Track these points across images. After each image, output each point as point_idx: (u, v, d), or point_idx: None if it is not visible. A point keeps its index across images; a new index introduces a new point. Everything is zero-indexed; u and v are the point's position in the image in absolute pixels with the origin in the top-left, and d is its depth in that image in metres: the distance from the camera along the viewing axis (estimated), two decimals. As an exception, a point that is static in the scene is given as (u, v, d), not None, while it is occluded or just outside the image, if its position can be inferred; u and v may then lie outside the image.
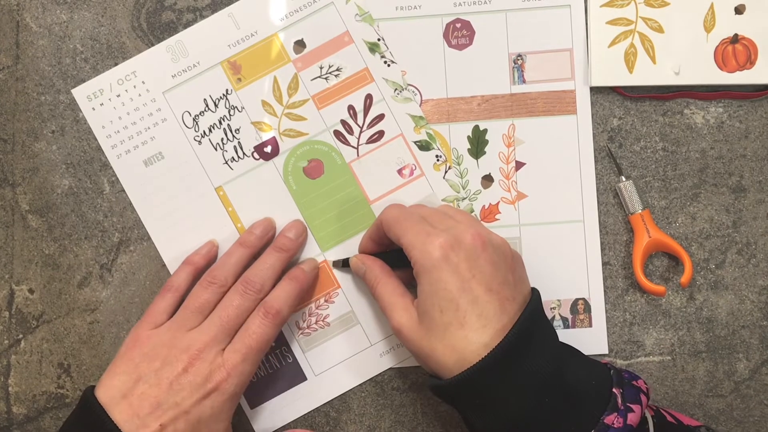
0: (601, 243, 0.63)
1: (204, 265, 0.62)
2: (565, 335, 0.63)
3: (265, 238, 0.62)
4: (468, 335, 0.51)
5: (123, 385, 0.54)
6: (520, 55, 0.64)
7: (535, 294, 0.55)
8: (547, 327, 0.55)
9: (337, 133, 0.64)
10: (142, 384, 0.54)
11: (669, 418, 0.55)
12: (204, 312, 0.58)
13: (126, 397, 0.54)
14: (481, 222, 0.60)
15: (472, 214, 0.64)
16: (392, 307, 0.56)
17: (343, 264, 0.63)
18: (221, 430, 0.56)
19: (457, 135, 0.64)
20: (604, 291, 0.63)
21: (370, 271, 0.59)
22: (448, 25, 0.64)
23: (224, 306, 0.57)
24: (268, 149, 0.64)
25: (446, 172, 0.64)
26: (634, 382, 0.53)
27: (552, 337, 0.55)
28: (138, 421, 0.53)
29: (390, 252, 0.61)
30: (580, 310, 0.63)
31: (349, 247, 0.63)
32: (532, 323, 0.53)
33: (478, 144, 0.64)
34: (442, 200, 0.64)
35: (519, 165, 0.64)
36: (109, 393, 0.54)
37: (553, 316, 0.63)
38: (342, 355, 0.64)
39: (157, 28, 0.64)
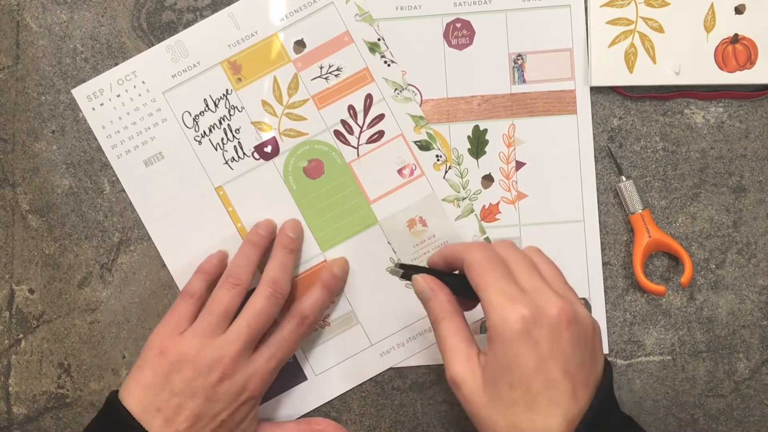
0: (602, 243, 0.63)
1: (216, 274, 0.61)
2: (565, 335, 0.63)
3: (270, 237, 0.62)
4: (535, 419, 0.47)
5: (156, 398, 0.53)
6: (520, 55, 0.64)
7: (607, 377, 0.50)
8: (617, 417, 0.50)
9: (337, 133, 0.64)
10: (177, 397, 0.53)
11: None
12: (229, 317, 0.57)
13: (161, 411, 0.53)
14: (567, 283, 0.52)
15: (473, 214, 0.64)
16: (454, 354, 0.50)
17: (402, 276, 0.56)
18: (253, 428, 0.58)
19: (457, 135, 0.64)
20: (605, 291, 0.63)
21: (436, 301, 0.53)
22: (448, 25, 0.64)
23: (253, 313, 0.57)
24: (268, 149, 0.64)
25: (446, 172, 0.64)
26: None
27: (620, 427, 0.50)
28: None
29: (460, 277, 0.53)
30: (580, 310, 0.63)
31: (349, 247, 0.63)
32: (603, 415, 0.48)
33: (478, 144, 0.64)
34: (442, 200, 0.64)
35: (519, 165, 0.64)
36: (141, 405, 0.53)
37: (554, 316, 0.63)
38: (342, 355, 0.64)
39: (157, 28, 0.64)
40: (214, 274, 0.61)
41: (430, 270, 0.55)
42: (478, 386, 0.49)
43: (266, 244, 0.62)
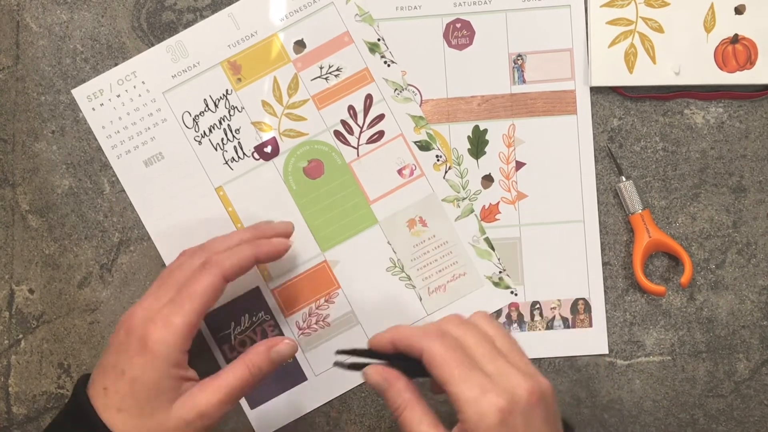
0: (601, 243, 0.63)
1: None
2: (565, 335, 0.63)
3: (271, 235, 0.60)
4: None
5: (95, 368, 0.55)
6: (520, 55, 0.64)
7: None
8: None
9: (337, 133, 0.64)
10: (104, 354, 0.54)
11: None
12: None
13: (92, 382, 0.54)
14: (521, 351, 0.52)
15: (473, 214, 0.64)
16: None
17: (349, 368, 0.54)
18: (163, 405, 0.52)
19: (457, 135, 0.64)
20: (605, 291, 0.63)
21: (394, 391, 0.52)
22: (448, 25, 0.64)
23: (173, 266, 0.56)
24: (268, 149, 0.64)
25: (446, 172, 0.64)
26: None
27: None
28: (90, 384, 0.53)
29: (410, 360, 0.52)
30: (580, 310, 0.63)
31: (349, 247, 0.63)
32: None
33: (478, 144, 0.64)
34: (442, 200, 0.64)
35: (519, 165, 0.64)
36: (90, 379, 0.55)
37: (553, 316, 0.63)
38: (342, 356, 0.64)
39: (157, 28, 0.64)
40: None
41: (376, 353, 0.53)
42: None
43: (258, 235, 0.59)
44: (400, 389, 0.52)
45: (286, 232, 0.61)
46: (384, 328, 0.63)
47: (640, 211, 0.62)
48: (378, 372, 0.52)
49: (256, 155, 0.64)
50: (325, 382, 0.64)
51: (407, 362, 0.51)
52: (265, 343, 0.56)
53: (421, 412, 0.51)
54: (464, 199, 0.64)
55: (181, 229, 0.64)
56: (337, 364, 0.54)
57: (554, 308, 0.63)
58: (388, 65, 0.64)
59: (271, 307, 0.64)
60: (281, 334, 0.63)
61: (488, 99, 0.64)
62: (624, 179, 0.63)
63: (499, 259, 0.64)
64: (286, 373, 0.63)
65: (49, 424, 0.55)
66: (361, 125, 0.64)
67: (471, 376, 0.49)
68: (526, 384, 0.49)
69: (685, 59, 0.62)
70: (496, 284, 0.64)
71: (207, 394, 0.53)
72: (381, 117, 0.64)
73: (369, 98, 0.64)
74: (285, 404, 0.64)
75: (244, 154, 0.64)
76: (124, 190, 0.64)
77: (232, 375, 0.54)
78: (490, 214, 0.64)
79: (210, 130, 0.64)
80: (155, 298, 0.54)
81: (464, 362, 0.50)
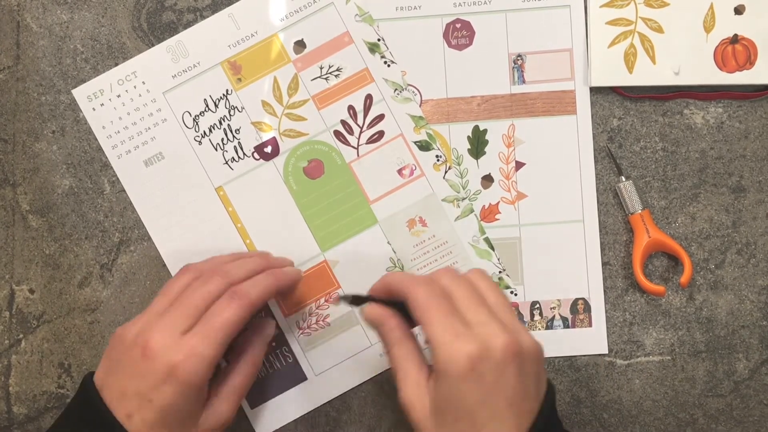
0: (601, 243, 0.63)
1: None
2: (564, 335, 0.63)
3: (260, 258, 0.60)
4: None
5: (102, 376, 0.53)
6: (519, 56, 0.64)
7: (548, 401, 0.51)
8: None
9: (337, 133, 0.64)
10: (111, 374, 0.53)
11: None
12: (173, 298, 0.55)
13: (102, 389, 0.53)
14: (511, 309, 0.53)
15: (473, 214, 0.64)
16: (406, 379, 0.52)
17: (352, 301, 0.57)
18: (191, 425, 0.53)
19: (457, 135, 0.64)
20: (604, 291, 0.64)
21: (387, 327, 0.54)
22: (448, 25, 0.64)
23: (187, 291, 0.54)
24: (268, 149, 0.64)
25: (446, 172, 0.64)
26: None
27: None
28: (112, 410, 0.52)
29: (404, 305, 0.54)
30: (579, 309, 0.63)
31: (349, 247, 0.64)
32: None
33: (478, 144, 0.64)
34: (442, 200, 0.64)
35: (519, 165, 0.64)
36: (96, 383, 0.54)
37: (553, 316, 0.64)
38: (342, 355, 0.64)
39: (157, 28, 0.64)
40: None
41: (378, 299, 0.55)
42: (427, 413, 0.50)
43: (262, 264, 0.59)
44: (392, 327, 0.54)
45: (292, 264, 0.62)
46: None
47: (639, 211, 0.62)
48: (374, 309, 0.55)
49: (256, 155, 0.64)
50: (325, 382, 0.64)
51: (405, 310, 0.53)
52: (255, 332, 0.58)
53: (408, 350, 0.53)
54: (464, 199, 0.64)
55: (181, 229, 0.64)
56: (342, 297, 0.58)
57: (554, 308, 0.64)
58: (388, 65, 0.64)
59: (271, 306, 0.64)
60: (281, 333, 0.63)
61: (488, 99, 0.64)
62: (624, 179, 0.63)
63: (498, 259, 0.64)
64: (287, 373, 0.63)
65: None
66: (361, 125, 0.64)
67: (448, 321, 0.50)
68: (503, 336, 0.49)
69: (684, 59, 0.63)
70: (495, 284, 0.64)
71: (227, 403, 0.55)
72: (381, 117, 0.64)
73: (369, 98, 0.64)
74: (285, 404, 0.64)
75: (244, 154, 0.64)
76: (124, 190, 0.64)
77: (242, 377, 0.57)
78: (489, 214, 0.64)
79: (210, 130, 0.64)
80: (171, 322, 0.53)
81: (444, 307, 0.51)
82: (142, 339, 0.52)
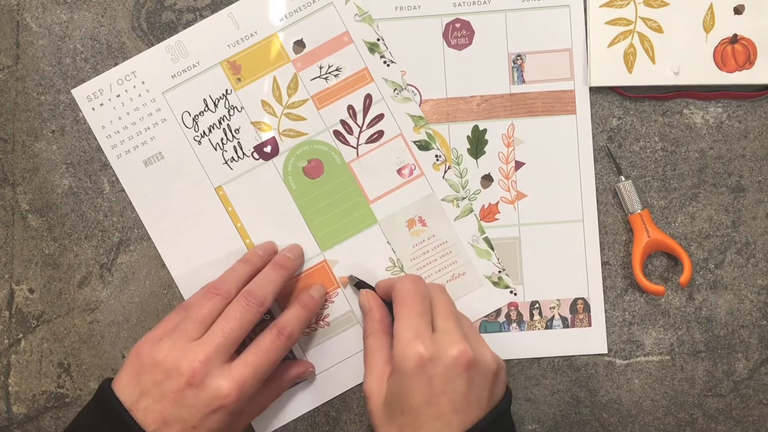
0: (601, 243, 0.63)
1: None
2: (564, 335, 0.63)
3: (266, 258, 0.61)
4: None
5: (128, 399, 0.53)
6: (519, 55, 0.64)
7: (499, 407, 0.54)
8: None
9: (336, 133, 0.64)
10: (146, 398, 0.53)
11: None
12: (206, 323, 0.56)
13: (133, 410, 0.53)
14: (479, 335, 0.58)
15: (472, 214, 0.64)
16: (370, 369, 0.56)
17: (357, 284, 0.63)
18: None
19: (457, 135, 0.64)
20: (604, 291, 0.64)
21: (370, 316, 0.59)
22: (447, 25, 0.64)
23: (227, 318, 0.56)
24: (268, 149, 0.64)
25: (446, 171, 0.64)
26: None
27: None
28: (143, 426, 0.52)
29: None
30: (579, 309, 0.63)
31: (349, 247, 0.64)
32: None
33: (477, 144, 0.64)
34: (442, 200, 0.64)
35: (518, 165, 0.64)
36: (122, 401, 0.53)
37: (553, 316, 0.64)
38: (342, 355, 0.64)
39: (157, 28, 0.64)
40: None
41: (376, 293, 0.61)
42: (381, 404, 0.55)
43: (260, 263, 0.61)
44: (375, 317, 0.59)
45: (301, 251, 0.64)
46: (383, 327, 0.64)
47: (639, 210, 0.62)
48: (367, 296, 0.61)
49: (255, 155, 0.64)
50: (325, 382, 0.64)
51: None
52: (291, 367, 0.62)
53: (380, 344, 0.57)
54: (464, 198, 0.64)
55: (181, 229, 0.64)
56: (351, 277, 0.63)
57: (553, 308, 0.64)
58: (388, 65, 0.64)
59: (272, 306, 0.64)
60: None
61: (487, 99, 0.64)
62: (623, 179, 0.63)
63: (498, 259, 0.64)
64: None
65: None
66: (360, 125, 0.64)
67: (415, 321, 0.54)
68: (459, 346, 0.53)
69: (684, 59, 0.63)
70: (495, 284, 0.64)
71: (256, 409, 0.60)
72: (380, 117, 0.64)
73: (368, 98, 0.64)
74: (285, 404, 0.64)
75: (243, 153, 0.64)
76: (124, 190, 0.64)
77: (267, 398, 0.61)
78: (489, 213, 0.64)
79: (210, 130, 0.64)
80: (216, 351, 0.54)
81: (417, 307, 0.55)
82: (188, 368, 0.53)
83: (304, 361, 0.63)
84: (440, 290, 0.59)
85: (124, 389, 0.53)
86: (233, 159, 0.64)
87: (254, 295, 0.57)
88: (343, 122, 0.64)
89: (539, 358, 0.64)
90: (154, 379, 0.53)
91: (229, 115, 0.64)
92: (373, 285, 0.62)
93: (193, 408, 0.52)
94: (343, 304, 0.64)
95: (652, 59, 0.63)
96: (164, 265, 0.64)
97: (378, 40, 0.64)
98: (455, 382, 0.52)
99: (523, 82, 0.64)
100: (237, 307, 0.56)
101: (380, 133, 0.64)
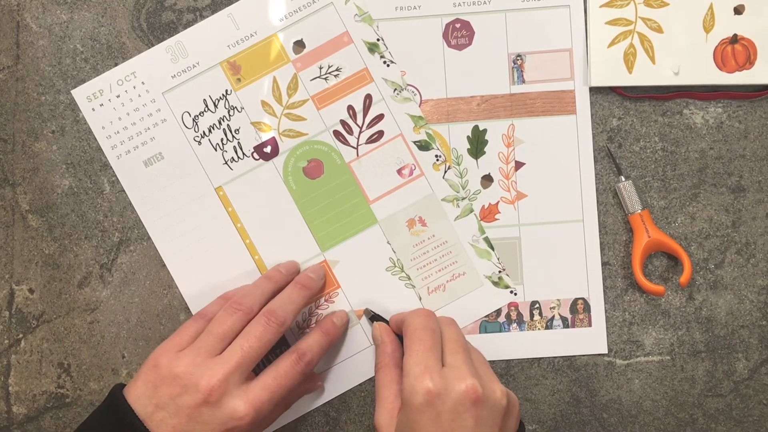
0: (601, 243, 0.63)
1: None
2: (564, 335, 0.63)
3: (289, 276, 0.61)
4: None
5: (142, 410, 0.53)
6: (519, 55, 0.64)
7: None
8: None
9: (336, 133, 0.64)
10: (162, 411, 0.53)
11: None
12: (227, 339, 0.55)
13: (147, 421, 0.53)
14: (490, 369, 0.56)
15: (472, 214, 0.64)
16: (381, 402, 0.56)
17: (372, 317, 0.62)
18: None
19: (457, 135, 0.64)
20: (604, 291, 0.64)
21: (382, 349, 0.59)
22: (447, 25, 0.64)
23: (247, 336, 0.55)
24: (268, 149, 0.64)
25: (446, 171, 0.64)
26: None
27: None
28: None
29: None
30: (579, 309, 0.63)
31: (349, 247, 0.64)
32: None
33: (477, 144, 0.64)
34: (442, 200, 0.64)
35: (518, 165, 0.64)
36: (136, 410, 0.53)
37: (553, 316, 0.64)
38: (342, 355, 0.64)
39: (157, 28, 0.64)
40: None
41: (390, 326, 0.61)
42: None
43: (283, 281, 0.61)
44: (386, 351, 0.59)
45: (322, 272, 0.64)
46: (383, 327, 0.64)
47: (639, 211, 0.62)
48: (380, 329, 0.61)
49: (255, 155, 0.64)
50: (325, 382, 0.64)
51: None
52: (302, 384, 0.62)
53: (391, 377, 0.57)
54: (464, 198, 0.64)
55: (181, 229, 0.64)
56: (366, 311, 0.63)
57: (553, 308, 0.64)
58: (388, 65, 0.64)
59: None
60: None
61: (488, 99, 0.64)
62: (623, 179, 0.63)
63: (498, 259, 0.64)
64: (286, 373, 0.64)
65: None
66: (360, 125, 0.64)
67: (424, 355, 0.54)
68: (467, 382, 0.52)
69: (684, 59, 0.62)
70: (495, 284, 0.64)
71: (264, 423, 0.59)
72: (380, 117, 0.64)
73: (368, 98, 0.64)
74: (285, 404, 0.64)
75: (243, 154, 0.64)
76: (124, 190, 0.64)
77: (276, 413, 0.62)
78: (489, 213, 0.64)
79: (210, 130, 0.64)
80: (235, 370, 0.54)
81: (427, 341, 0.55)
82: (206, 385, 0.53)
83: (314, 375, 0.63)
84: (451, 323, 0.58)
85: (140, 400, 0.53)
86: (233, 159, 0.64)
87: (275, 314, 0.56)
88: (343, 122, 0.64)
89: (539, 358, 0.64)
90: (171, 393, 0.53)
91: (229, 115, 0.64)
92: (387, 318, 0.62)
93: (207, 426, 0.53)
94: (343, 304, 0.64)
95: (652, 59, 0.63)
96: (164, 265, 0.64)
97: (378, 40, 0.64)
98: (463, 417, 0.51)
99: (523, 82, 0.64)
100: (258, 327, 0.56)
101: (380, 133, 0.64)
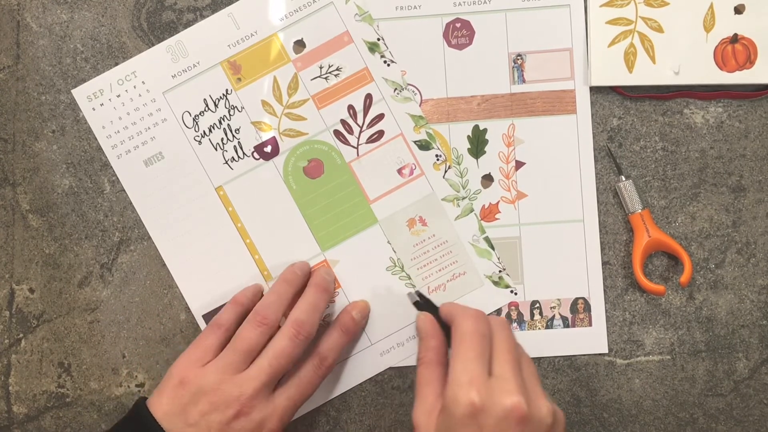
0: (601, 242, 0.63)
1: (249, 307, 0.60)
2: (564, 334, 0.63)
3: (305, 278, 0.61)
4: None
5: (173, 427, 0.53)
6: (519, 55, 0.64)
7: None
8: None
9: (337, 133, 0.64)
10: (192, 428, 0.53)
11: None
12: (253, 354, 0.56)
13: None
14: (539, 385, 0.53)
15: (473, 213, 0.64)
16: (421, 400, 0.53)
17: (416, 302, 0.61)
18: None
19: (457, 134, 0.64)
20: (604, 290, 0.64)
21: (426, 343, 0.56)
22: (447, 24, 0.64)
23: (275, 353, 0.56)
24: (268, 149, 0.64)
25: (446, 171, 0.64)
26: None
27: None
28: None
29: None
30: (579, 309, 0.63)
31: (349, 247, 0.64)
32: None
33: (477, 143, 0.64)
34: (442, 200, 0.64)
35: (519, 164, 0.64)
36: (161, 424, 0.54)
37: (553, 316, 0.64)
38: (343, 355, 0.64)
39: (157, 28, 0.64)
40: (247, 306, 0.60)
41: (437, 316, 0.58)
42: None
43: (301, 284, 0.61)
44: (430, 346, 0.56)
45: (334, 277, 0.64)
46: (384, 327, 0.64)
47: (639, 210, 0.62)
48: (425, 321, 0.58)
49: (256, 155, 0.64)
50: (325, 382, 0.64)
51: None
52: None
53: (434, 375, 0.54)
54: (464, 198, 0.64)
55: (181, 229, 0.64)
56: (410, 294, 0.62)
57: (554, 307, 0.64)
58: (388, 65, 0.64)
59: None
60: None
61: (488, 99, 0.64)
62: (623, 179, 0.63)
63: (498, 259, 0.64)
64: (286, 373, 0.64)
65: None
66: (360, 125, 0.64)
67: (472, 363, 0.51)
68: (515, 398, 0.49)
69: (684, 59, 0.62)
70: (495, 283, 0.64)
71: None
72: (381, 116, 0.64)
73: (369, 98, 0.64)
74: (285, 403, 0.64)
75: (244, 153, 0.64)
76: (124, 190, 0.64)
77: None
78: (489, 213, 0.64)
79: (210, 130, 0.64)
80: (264, 383, 0.54)
81: (476, 348, 0.52)
82: (236, 402, 0.54)
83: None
84: (503, 327, 0.55)
85: (169, 417, 0.54)
86: (233, 159, 0.64)
87: (304, 327, 0.57)
88: (343, 122, 0.64)
89: (540, 358, 0.64)
90: (201, 410, 0.54)
91: (230, 115, 0.64)
92: (435, 304, 0.60)
93: None
94: (344, 304, 0.64)
95: (653, 59, 0.63)
96: (164, 265, 0.64)
97: (378, 39, 0.64)
98: None
99: (524, 81, 0.64)
100: (287, 342, 0.56)
101: (380, 133, 0.64)
